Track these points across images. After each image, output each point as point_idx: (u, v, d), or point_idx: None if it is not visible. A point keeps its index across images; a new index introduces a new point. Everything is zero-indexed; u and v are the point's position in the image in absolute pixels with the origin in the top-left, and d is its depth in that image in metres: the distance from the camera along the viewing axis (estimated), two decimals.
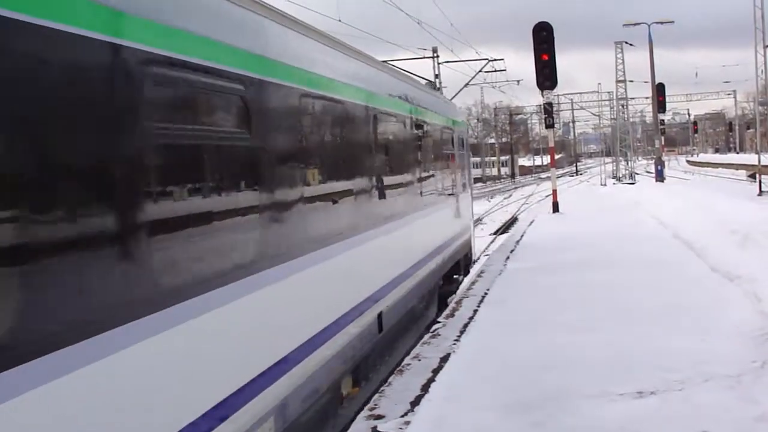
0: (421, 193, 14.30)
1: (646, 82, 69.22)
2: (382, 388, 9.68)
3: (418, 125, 14.45)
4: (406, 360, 11.01)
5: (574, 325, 11.87)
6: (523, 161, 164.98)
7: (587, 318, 12.28)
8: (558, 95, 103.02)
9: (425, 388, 9.32)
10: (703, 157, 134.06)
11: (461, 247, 19.59)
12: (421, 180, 14.38)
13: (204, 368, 5.47)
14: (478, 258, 26.75)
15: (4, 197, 3.76)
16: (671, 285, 14.65)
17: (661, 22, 61.15)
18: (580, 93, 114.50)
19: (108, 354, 4.35)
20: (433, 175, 15.70)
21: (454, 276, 19.16)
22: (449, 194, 18.13)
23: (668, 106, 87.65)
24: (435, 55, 54.42)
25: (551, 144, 40.00)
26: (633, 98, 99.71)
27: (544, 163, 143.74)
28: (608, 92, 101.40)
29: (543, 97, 36.56)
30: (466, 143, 22.61)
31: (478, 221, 47.61)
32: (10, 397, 3.65)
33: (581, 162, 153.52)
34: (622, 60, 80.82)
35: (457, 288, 18.97)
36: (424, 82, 21.29)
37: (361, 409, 9.15)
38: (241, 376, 6.01)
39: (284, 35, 7.86)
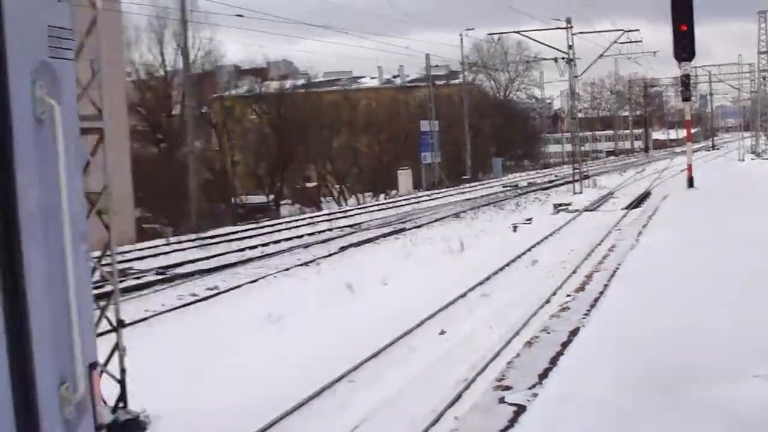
0: None
1: None
2: (510, 360, 9.72)
3: None
4: (535, 333, 11.01)
5: (708, 300, 11.61)
6: (657, 135, 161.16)
7: (722, 294, 11.98)
8: (695, 67, 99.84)
9: (553, 361, 9.31)
10: None
11: None
12: None
13: None
14: None
15: None
16: None
17: None
18: (719, 65, 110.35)
19: None
20: None
21: None
22: None
23: None
24: (569, 25, 53.58)
25: (687, 117, 39.17)
26: None
27: (679, 137, 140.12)
28: (749, 64, 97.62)
29: (680, 69, 35.66)
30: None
31: (610, 195, 46.72)
32: None
33: (718, 136, 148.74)
34: (765, 30, 77.85)
35: None
36: None
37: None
38: None
39: None
